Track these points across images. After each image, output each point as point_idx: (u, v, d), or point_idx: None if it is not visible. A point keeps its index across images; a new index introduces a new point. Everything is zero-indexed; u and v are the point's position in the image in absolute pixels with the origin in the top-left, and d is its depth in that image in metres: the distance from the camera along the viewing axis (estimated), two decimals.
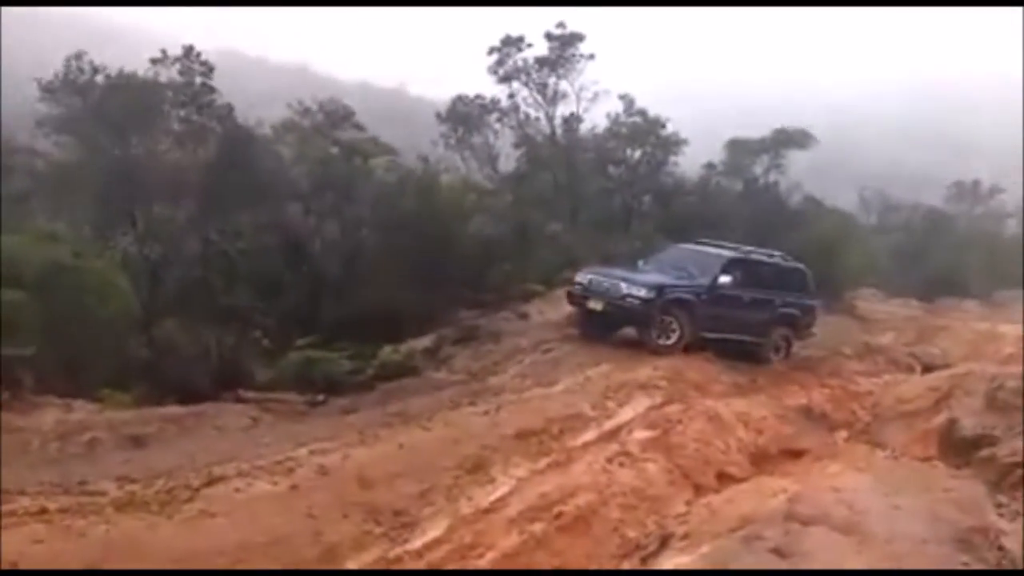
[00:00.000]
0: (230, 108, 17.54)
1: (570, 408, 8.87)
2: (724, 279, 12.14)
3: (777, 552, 5.26)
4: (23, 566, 4.76)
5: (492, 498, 6.72)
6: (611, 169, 24.24)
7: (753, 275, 12.70)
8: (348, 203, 18.80)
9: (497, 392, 10.20)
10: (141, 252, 15.54)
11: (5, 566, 4.73)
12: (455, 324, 14.97)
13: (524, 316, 16.64)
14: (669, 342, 11.66)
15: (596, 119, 24.25)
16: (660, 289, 11.76)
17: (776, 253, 13.66)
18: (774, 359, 12.64)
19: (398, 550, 5.75)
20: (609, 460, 7.28)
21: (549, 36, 23.08)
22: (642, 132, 23.76)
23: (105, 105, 16.07)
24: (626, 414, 8.84)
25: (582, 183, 23.56)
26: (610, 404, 9.08)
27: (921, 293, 25.13)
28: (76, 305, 11.36)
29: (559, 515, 6.14)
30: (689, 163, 25.21)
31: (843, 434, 8.82)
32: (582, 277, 12.60)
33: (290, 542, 5.69)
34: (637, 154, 24.10)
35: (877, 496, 6.15)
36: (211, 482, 6.42)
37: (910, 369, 12.43)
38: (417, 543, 5.87)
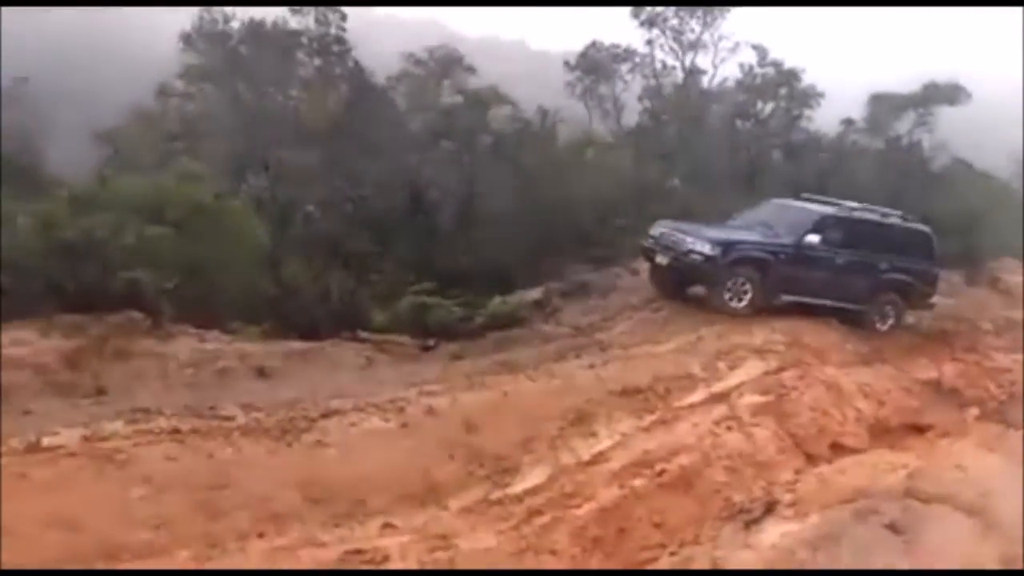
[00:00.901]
0: (356, 60, 18.01)
1: (679, 367, 8.68)
2: (812, 238, 11.06)
3: (892, 528, 4.99)
4: (157, 481, 5.18)
5: (594, 451, 6.73)
6: (739, 123, 23.23)
7: (855, 235, 11.50)
8: (466, 153, 18.98)
9: (604, 347, 10.10)
10: (272, 195, 16.35)
11: (141, 481, 5.16)
12: (566, 278, 14.90)
13: (636, 272, 16.34)
14: (739, 304, 10.68)
15: (723, 72, 23.26)
16: (727, 245, 10.80)
17: (895, 212, 12.36)
18: (880, 328, 11.46)
19: (499, 493, 5.87)
20: (717, 423, 7.10)
21: None
22: (774, 84, 22.55)
23: (240, 53, 16.84)
24: (738, 377, 8.56)
25: (708, 137, 22.71)
26: (721, 366, 8.81)
27: None
28: (213, 242, 12.10)
29: (661, 472, 6.07)
30: (828, 120, 23.75)
31: (974, 411, 8.20)
32: (655, 230, 11.74)
33: (398, 477, 5.92)
34: (768, 108, 22.95)
35: (1007, 478, 5.71)
36: (327, 415, 6.74)
37: None
38: (518, 488, 5.97)
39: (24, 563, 4.13)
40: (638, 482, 5.97)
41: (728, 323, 10.41)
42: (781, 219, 11.74)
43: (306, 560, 4.43)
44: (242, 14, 17.34)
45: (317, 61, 18.20)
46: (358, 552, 4.55)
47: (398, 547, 4.70)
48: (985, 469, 5.66)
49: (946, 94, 22.89)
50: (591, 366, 8.78)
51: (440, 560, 4.65)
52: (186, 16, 17.76)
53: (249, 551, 4.59)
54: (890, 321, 11.60)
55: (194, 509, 4.95)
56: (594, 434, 7.04)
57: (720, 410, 7.37)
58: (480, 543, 4.89)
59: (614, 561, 5.08)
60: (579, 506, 5.47)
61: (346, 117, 17.38)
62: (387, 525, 5.21)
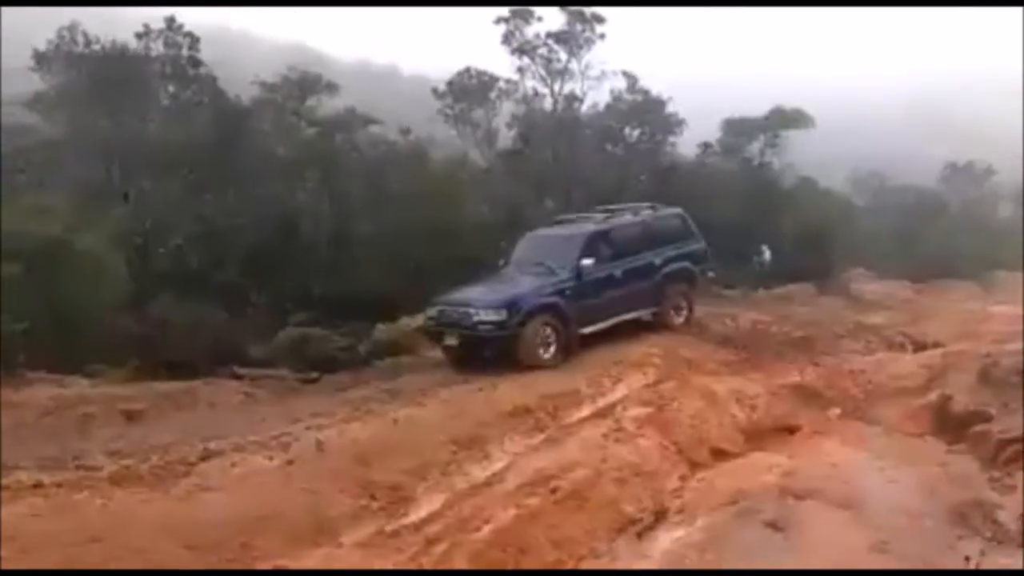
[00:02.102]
0: (214, 80, 17.34)
1: (565, 385, 8.90)
2: (586, 263, 10.70)
3: (772, 525, 5.31)
4: (20, 540, 4.75)
5: (488, 473, 6.76)
6: (609, 147, 24.18)
7: (621, 242, 11.35)
8: (335, 179, 18.60)
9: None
10: (133, 227, 15.42)
11: (4, 541, 4.71)
12: None
13: None
14: (548, 355, 10.16)
15: (598, 98, 24.16)
16: (512, 304, 10.19)
17: (643, 205, 12.52)
18: (677, 321, 11.67)
19: (395, 524, 5.77)
20: (604, 436, 7.30)
21: (564, 4, 22.79)
22: (642, 110, 23.68)
23: (96, 78, 15.89)
24: (620, 391, 8.87)
25: (579, 160, 23.47)
26: (605, 381, 9.10)
27: (914, 274, 25.19)
28: (69, 280, 11.29)
29: (555, 490, 6.16)
30: (687, 144, 25.15)
31: (836, 411, 8.84)
32: (432, 310, 10.94)
33: (287, 516, 5.70)
34: (636, 132, 24.05)
35: (872, 471, 6.21)
36: (206, 457, 6.43)
37: (903, 348, 12.42)
38: (413, 517, 5.90)
39: None
40: (533, 501, 6.03)
41: (607, 341, 10.77)
42: (549, 253, 11.35)
43: None
44: (103, 36, 16.34)
45: (172, 87, 17.40)
46: None
47: None
48: (852, 465, 6.12)
49: (791, 119, 24.80)
50: (480, 389, 8.86)
51: None
52: (42, 34, 16.56)
53: None
54: (684, 313, 11.88)
55: (64, 568, 4.55)
56: (487, 456, 7.08)
57: (607, 424, 7.59)
58: None
59: None
60: (477, 529, 5.46)
61: (209, 143, 16.68)
62: (278, 567, 4.99)
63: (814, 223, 22.72)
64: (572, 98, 23.87)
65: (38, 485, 5.51)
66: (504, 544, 5.39)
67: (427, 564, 4.89)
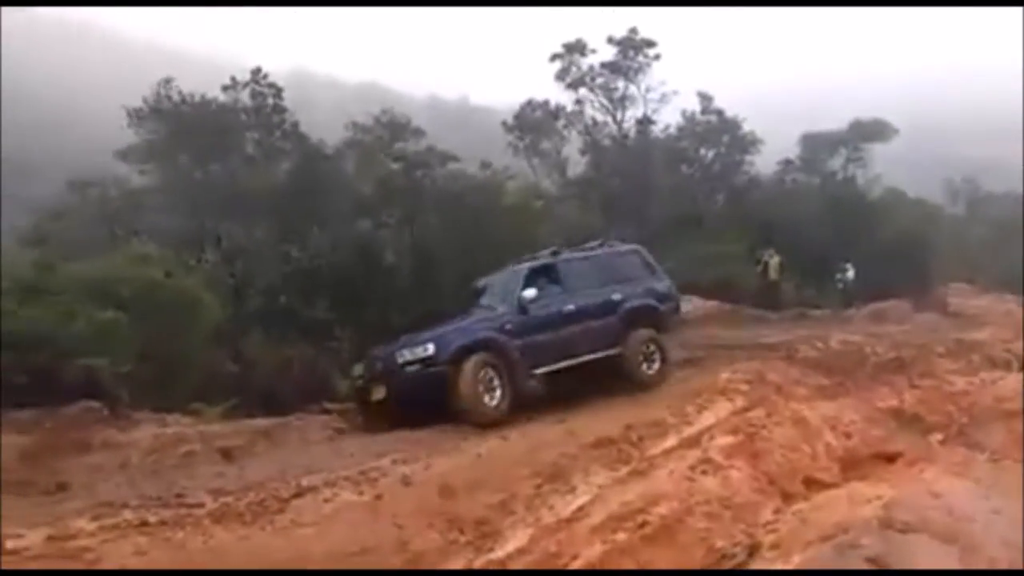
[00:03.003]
0: (296, 126, 18.14)
1: (648, 415, 8.74)
2: (528, 293, 9.68)
3: (874, 561, 5.06)
4: None
5: (573, 507, 6.69)
6: (683, 169, 23.98)
7: (572, 277, 10.28)
8: (415, 214, 19.13)
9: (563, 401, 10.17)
10: (226, 270, 16.17)
11: None
12: None
13: None
14: (493, 402, 8.92)
15: (666, 119, 24.06)
16: (441, 337, 9.11)
17: (595, 242, 11.44)
18: (649, 373, 10.15)
19: (482, 559, 5.79)
20: (692, 468, 7.15)
21: (612, 40, 23.00)
22: (716, 131, 23.44)
23: (187, 131, 16.86)
24: (707, 420, 8.65)
25: (652, 185, 23.35)
26: (689, 409, 8.91)
27: (1017, 287, 23.81)
28: (168, 323, 11.88)
29: (643, 524, 6.06)
30: (765, 160, 24.69)
31: (938, 436, 8.41)
32: (357, 368, 9.90)
33: (377, 551, 5.80)
34: (711, 153, 23.79)
35: (977, 501, 5.86)
36: (300, 493, 6.60)
37: (1008, 366, 11.73)
38: (500, 552, 5.90)
39: None
40: (620, 536, 5.95)
41: (692, 366, 10.57)
42: (491, 292, 10.40)
43: None
44: (190, 89, 17.38)
45: (256, 135, 18.29)
46: None
47: None
48: (957, 495, 5.80)
49: (872, 131, 24.03)
50: (561, 420, 8.80)
51: None
52: (134, 92, 17.72)
53: None
54: (656, 364, 10.31)
55: None
56: (572, 489, 7.01)
57: (694, 454, 7.43)
58: None
59: None
60: (565, 566, 5.42)
61: (293, 186, 17.43)
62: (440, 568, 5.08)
63: (905, 236, 21.81)
64: (641, 122, 23.84)
65: (144, 523, 5.77)
66: None
67: None
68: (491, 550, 5.99)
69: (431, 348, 8.92)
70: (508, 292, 9.95)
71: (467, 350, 9.05)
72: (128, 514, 6.02)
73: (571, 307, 10.04)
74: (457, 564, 5.78)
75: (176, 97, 17.17)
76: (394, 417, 9.11)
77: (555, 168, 24.12)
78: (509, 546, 5.99)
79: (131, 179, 17.63)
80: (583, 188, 22.68)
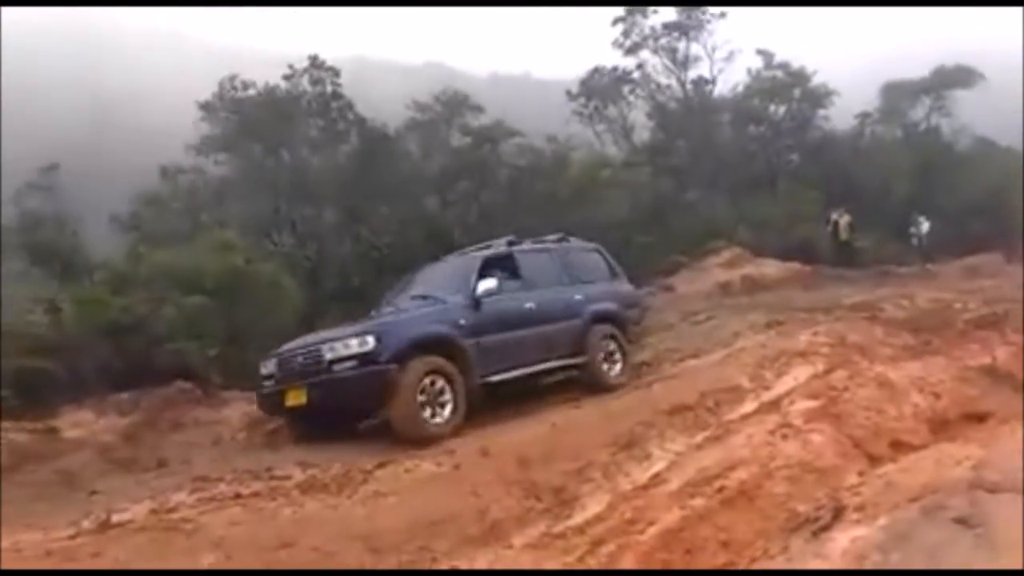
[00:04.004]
0: (351, 106, 18.43)
1: (725, 380, 8.61)
2: (487, 284, 8.23)
3: (962, 522, 4.87)
4: (226, 546, 5.25)
5: (650, 473, 6.67)
6: (752, 129, 23.28)
7: (530, 271, 8.99)
8: (482, 190, 19.24)
9: (647, 367, 10.13)
10: (301, 254, 16.68)
11: (210, 547, 5.24)
12: None
13: (668, 288, 16.38)
14: (439, 419, 7.46)
15: (732, 79, 23.38)
16: (383, 331, 7.46)
17: (552, 236, 10.13)
18: (613, 375, 9.14)
19: (560, 526, 5.85)
20: (771, 432, 7.01)
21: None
22: (784, 86, 22.63)
23: (254, 121, 17.40)
24: (786, 384, 8.46)
25: (720, 147, 22.78)
26: (767, 374, 8.72)
27: None
28: (251, 306, 12.39)
29: (721, 489, 6.00)
30: (843, 116, 23.71)
31: None
32: (267, 365, 7.98)
33: (458, 519, 5.93)
34: (781, 110, 23.00)
35: None
36: (382, 464, 6.81)
37: None
38: (578, 519, 5.94)
39: None
40: (698, 501, 5.91)
41: (771, 330, 10.35)
42: (438, 283, 8.84)
43: None
44: (258, 81, 17.95)
45: (320, 121, 18.71)
46: None
47: None
48: None
49: (957, 77, 22.73)
50: (636, 388, 8.78)
51: None
52: (202, 86, 18.40)
53: None
54: (618, 365, 9.30)
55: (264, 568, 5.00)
56: (648, 456, 6.99)
57: (773, 419, 7.28)
58: None
59: None
60: (642, 531, 5.43)
61: (358, 169, 17.78)
62: (454, 568, 5.22)
63: (995, 187, 20.65)
64: (707, 82, 23.22)
65: (238, 495, 6.09)
66: (671, 545, 5.33)
67: (594, 565, 4.93)
68: (568, 517, 6.05)
69: (371, 342, 7.22)
70: (459, 282, 8.41)
71: (416, 347, 7.45)
72: (223, 487, 6.35)
73: (531, 305, 8.66)
74: (535, 531, 5.85)
75: (241, 90, 17.71)
76: (310, 428, 7.75)
77: (621, 135, 23.79)
78: (586, 512, 6.03)
79: (208, 169, 18.38)
80: (651, 153, 22.30)
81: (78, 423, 8.85)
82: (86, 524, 5.70)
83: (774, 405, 7.82)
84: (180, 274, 12.29)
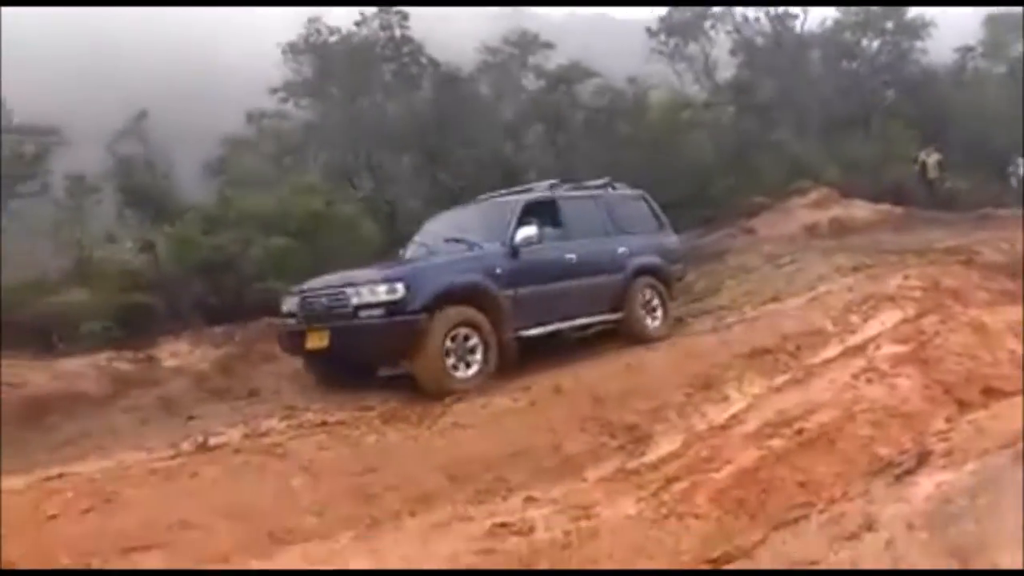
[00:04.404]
0: (422, 50, 18.29)
1: (807, 324, 8.41)
2: (527, 231, 7.73)
3: None
4: (314, 470, 5.53)
5: (727, 415, 6.63)
6: (844, 64, 22.07)
7: (572, 219, 8.47)
8: (558, 133, 19.00)
9: (725, 310, 9.97)
10: (380, 197, 16.96)
11: (299, 470, 5.52)
12: None
13: (750, 231, 15.97)
14: (467, 374, 7.10)
15: (822, 12, 22.13)
16: (414, 277, 7.03)
17: (597, 182, 9.52)
18: (653, 326, 8.79)
19: (634, 462, 5.90)
20: (855, 376, 6.83)
21: None
22: (877, 18, 21.27)
23: (333, 66, 17.58)
24: (872, 328, 8.20)
25: (810, 84, 21.70)
26: (853, 319, 8.47)
27: None
28: (332, 248, 12.74)
29: (800, 431, 5.90)
30: (939, 49, 22.20)
31: None
32: (289, 302, 7.71)
33: (533, 453, 6.06)
34: (875, 44, 21.68)
35: None
36: (460, 399, 6.98)
37: None
38: (652, 456, 5.98)
39: (202, 554, 4.49)
40: (776, 442, 5.83)
41: (858, 273, 10.00)
42: (472, 227, 8.25)
43: (458, 535, 4.61)
44: (341, 24, 18.06)
45: (392, 65, 18.70)
46: (504, 525, 4.69)
47: (542, 519, 4.82)
48: None
49: None
50: (714, 330, 8.67)
51: (584, 529, 4.73)
52: (282, 28, 18.66)
53: (405, 529, 4.83)
54: (659, 315, 8.94)
55: (349, 494, 5.25)
56: (725, 398, 6.95)
57: (857, 364, 7.09)
58: (621, 511, 4.93)
59: (759, 522, 5.00)
60: (717, 470, 5.42)
61: (432, 112, 17.79)
62: (529, 499, 5.34)
63: None
64: (789, 16, 22.03)
65: (324, 423, 6.37)
66: (747, 485, 5.29)
67: (667, 500, 4.96)
68: (642, 454, 6.09)
69: (400, 290, 6.81)
70: (497, 227, 7.88)
71: (447, 297, 7.02)
72: (310, 415, 6.65)
73: (572, 256, 8.19)
74: (608, 466, 5.92)
75: (325, 34, 17.86)
76: (334, 371, 7.55)
77: (703, 73, 22.95)
78: (660, 450, 6.06)
79: (292, 114, 18.78)
80: (735, 92, 21.43)
81: (175, 354, 9.41)
82: (185, 446, 6.10)
83: (859, 349, 7.60)
84: (266, 216, 12.72)
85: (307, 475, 5.41)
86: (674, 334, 8.96)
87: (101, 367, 8.74)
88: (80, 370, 8.62)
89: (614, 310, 8.55)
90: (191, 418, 7.32)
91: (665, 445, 6.13)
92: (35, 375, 8.35)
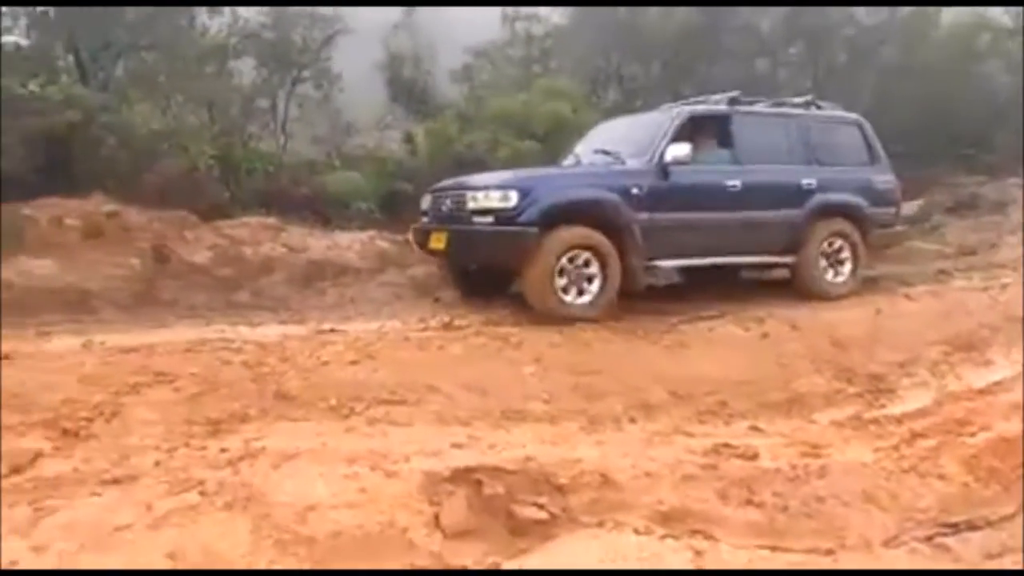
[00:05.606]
0: None
1: None
2: (677, 150, 6.73)
3: None
4: (544, 362, 5.80)
5: (989, 380, 6.01)
6: None
7: (747, 141, 7.30)
8: (820, 53, 17.43)
9: (1000, 268, 8.88)
10: (626, 108, 16.75)
11: (531, 360, 5.84)
12: (951, 190, 13.13)
13: None
14: (579, 301, 6.54)
15: None
16: (528, 187, 6.40)
17: (799, 98, 8.15)
18: (834, 283, 7.65)
19: (873, 412, 5.57)
20: None
21: None
22: None
23: None
24: None
25: None
26: None
27: None
28: None
29: None
30: None
31: None
32: (425, 200, 7.50)
33: (760, 384, 5.93)
34: None
35: None
36: (688, 320, 6.95)
37: None
38: (895, 410, 5.60)
39: (445, 417, 4.96)
40: None
41: None
42: (623, 139, 7.34)
43: (679, 447, 4.68)
44: None
45: None
46: (727, 446, 4.66)
47: (768, 448, 4.72)
48: None
49: None
50: (986, 288, 7.78)
51: (811, 467, 4.57)
52: None
53: (626, 432, 5.00)
54: (847, 268, 7.70)
55: (575, 389, 5.50)
56: (988, 362, 6.31)
57: None
58: (855, 456, 4.69)
59: (1012, 495, 4.56)
60: (972, 435, 4.95)
61: (686, 26, 16.97)
62: (753, 428, 5.28)
63: None
64: None
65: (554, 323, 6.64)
66: (1004, 454, 4.77)
67: (910, 456, 4.64)
68: (883, 406, 5.74)
69: (513, 198, 6.35)
70: (648, 141, 7.02)
71: (566, 212, 6.45)
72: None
73: (735, 183, 7.18)
74: (842, 412, 5.64)
75: None
76: (460, 274, 7.55)
77: None
78: (906, 405, 5.66)
79: (545, 17, 18.83)
80: None
81: None
82: (433, 323, 6.73)
83: None
84: (513, 119, 13.12)
85: (538, 366, 5.74)
86: (934, 287, 8.13)
87: (365, 243, 9.74)
88: (348, 244, 9.68)
89: (784, 252, 7.56)
90: (437, 300, 8.02)
91: (912, 401, 5.71)
92: (314, 242, 9.53)
